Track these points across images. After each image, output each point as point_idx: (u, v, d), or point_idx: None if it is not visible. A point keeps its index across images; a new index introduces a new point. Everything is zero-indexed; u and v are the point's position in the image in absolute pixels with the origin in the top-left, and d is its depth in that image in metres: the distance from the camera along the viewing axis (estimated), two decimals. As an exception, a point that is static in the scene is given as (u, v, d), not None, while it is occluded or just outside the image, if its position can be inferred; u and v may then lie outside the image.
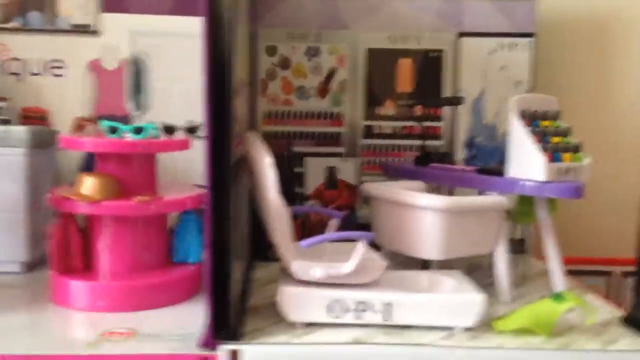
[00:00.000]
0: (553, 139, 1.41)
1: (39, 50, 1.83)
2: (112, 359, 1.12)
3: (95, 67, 1.84)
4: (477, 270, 1.56)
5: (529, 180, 1.39)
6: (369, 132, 1.90)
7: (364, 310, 1.20)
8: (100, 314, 1.32)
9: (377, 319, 1.21)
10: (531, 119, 1.43)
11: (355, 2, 1.86)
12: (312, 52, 1.87)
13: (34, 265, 1.62)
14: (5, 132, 1.58)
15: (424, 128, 1.84)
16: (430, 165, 1.68)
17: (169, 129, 1.48)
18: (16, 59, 1.83)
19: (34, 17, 1.83)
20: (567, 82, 2.00)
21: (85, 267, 1.41)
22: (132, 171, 1.42)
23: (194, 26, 1.76)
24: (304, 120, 1.88)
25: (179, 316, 1.32)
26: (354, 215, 1.87)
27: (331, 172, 1.88)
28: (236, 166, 1.23)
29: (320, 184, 1.88)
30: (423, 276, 1.35)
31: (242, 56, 1.47)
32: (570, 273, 1.58)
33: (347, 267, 1.20)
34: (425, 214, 1.36)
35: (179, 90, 1.83)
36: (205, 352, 1.12)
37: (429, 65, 1.89)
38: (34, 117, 1.80)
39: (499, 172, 1.48)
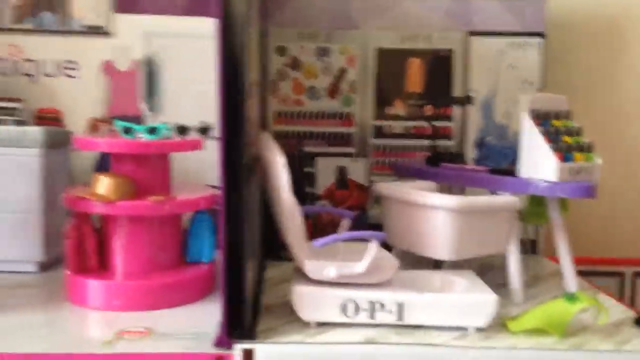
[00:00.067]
0: (565, 138, 1.41)
1: (53, 51, 1.84)
2: (128, 357, 1.13)
3: (108, 68, 1.85)
4: (489, 270, 1.56)
5: (541, 180, 1.39)
6: (379, 132, 1.90)
7: (376, 310, 1.21)
8: (115, 313, 1.33)
9: (389, 318, 1.21)
10: (542, 118, 1.44)
11: (365, 2, 1.86)
12: (323, 53, 1.88)
13: (49, 265, 1.63)
14: (20, 132, 1.60)
15: (434, 128, 1.85)
16: (441, 165, 1.68)
17: (182, 130, 1.49)
18: (30, 60, 1.85)
19: (47, 19, 1.84)
20: (577, 82, 1.99)
21: (101, 266, 1.42)
22: (147, 171, 1.43)
23: (206, 27, 1.78)
24: (315, 121, 1.89)
25: (192, 315, 1.34)
26: (364, 216, 1.87)
27: (342, 172, 1.89)
28: (249, 166, 1.24)
29: (330, 184, 1.89)
30: (435, 276, 1.36)
31: (254, 57, 1.48)
32: (582, 274, 1.58)
33: (359, 266, 1.20)
34: (437, 214, 1.37)
35: (191, 91, 1.84)
36: (220, 351, 1.13)
37: (439, 65, 1.90)
38: (48, 118, 1.82)
39: (510, 172, 1.49)
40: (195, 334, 1.21)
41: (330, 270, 1.21)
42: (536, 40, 1.87)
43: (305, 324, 1.23)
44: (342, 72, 1.88)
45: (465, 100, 1.83)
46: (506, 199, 1.44)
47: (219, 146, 1.12)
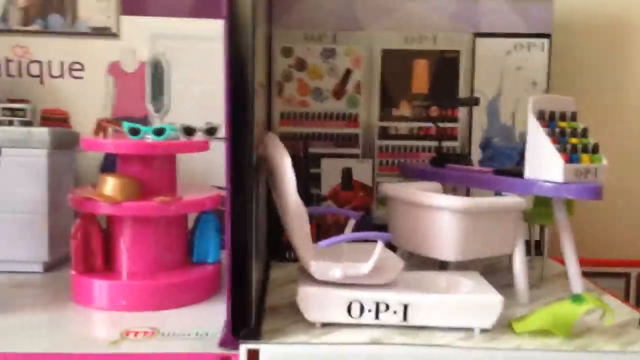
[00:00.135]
0: (571, 139, 1.41)
1: (60, 52, 1.85)
2: (133, 357, 1.13)
3: (114, 69, 1.86)
4: (494, 272, 1.56)
5: (547, 181, 1.39)
6: (384, 133, 1.90)
7: (382, 311, 1.21)
8: (120, 313, 1.34)
9: (395, 319, 1.21)
10: (549, 119, 1.43)
11: (371, 4, 1.86)
12: (328, 54, 1.88)
13: (55, 265, 1.64)
14: (27, 133, 1.61)
15: (439, 129, 1.84)
16: (446, 166, 1.68)
17: (189, 131, 1.49)
18: (37, 62, 1.86)
19: (55, 20, 1.85)
20: (583, 83, 1.99)
21: (106, 266, 1.43)
22: (153, 172, 1.44)
23: (213, 29, 1.80)
24: (320, 122, 1.89)
25: (198, 315, 1.34)
26: (369, 217, 1.87)
27: (347, 173, 1.89)
28: (255, 167, 1.24)
29: (336, 185, 1.89)
30: (441, 277, 1.36)
31: (260, 58, 1.48)
32: (587, 275, 1.58)
33: (365, 267, 1.20)
34: (443, 215, 1.37)
35: (198, 92, 1.85)
36: (226, 351, 1.13)
37: (445, 66, 1.90)
38: (55, 119, 1.83)
39: (516, 173, 1.48)
40: (201, 334, 1.22)
41: (335, 271, 1.21)
42: (542, 41, 1.87)
43: (310, 325, 1.23)
44: (348, 73, 1.89)
45: (472, 102, 1.83)
46: (512, 199, 1.44)
47: (225, 147, 1.13)
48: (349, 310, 1.21)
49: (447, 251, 1.38)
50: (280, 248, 1.75)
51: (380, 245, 1.21)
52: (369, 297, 1.21)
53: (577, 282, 1.48)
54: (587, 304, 1.21)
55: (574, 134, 1.43)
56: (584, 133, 1.45)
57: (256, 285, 1.29)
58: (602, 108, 2.01)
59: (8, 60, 1.85)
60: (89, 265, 1.41)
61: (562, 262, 1.53)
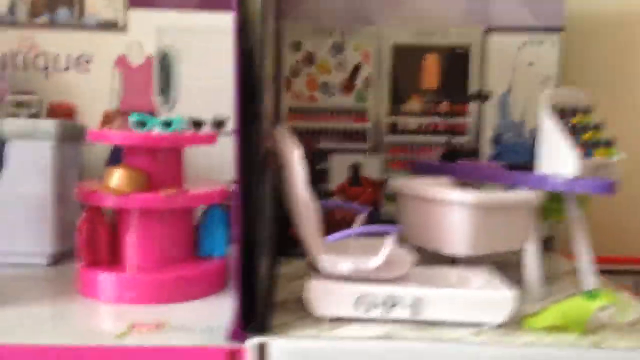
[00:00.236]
0: (585, 134, 1.39)
1: (67, 46, 1.84)
2: (140, 350, 1.12)
3: (122, 62, 1.85)
4: (504, 268, 1.53)
5: (561, 176, 1.36)
6: (394, 129, 1.88)
7: (392, 306, 1.19)
8: (127, 306, 1.32)
9: (405, 314, 1.19)
10: (562, 114, 1.41)
11: (381, -2, 1.85)
12: (337, 48, 1.86)
13: (61, 258, 1.63)
14: (33, 126, 1.60)
15: (449, 124, 1.82)
16: (457, 162, 1.66)
17: (196, 124, 1.48)
18: (44, 55, 1.85)
19: (62, 14, 1.84)
20: (596, 78, 1.96)
21: (113, 259, 1.41)
22: (160, 165, 1.42)
23: (221, 22, 1.79)
24: (329, 117, 1.87)
25: (205, 309, 1.32)
26: (377, 212, 1.85)
27: (355, 168, 1.87)
28: (264, 161, 1.23)
29: (344, 180, 1.87)
30: (452, 272, 1.34)
31: (269, 52, 1.47)
32: (601, 272, 1.55)
33: (375, 261, 1.19)
34: (454, 210, 1.35)
35: (205, 85, 1.83)
36: (234, 345, 1.12)
37: (455, 61, 1.87)
38: (61, 112, 1.81)
39: (528, 168, 1.46)
40: (208, 328, 1.20)
41: (344, 265, 1.19)
42: (555, 35, 1.84)
43: (319, 319, 1.21)
44: (357, 68, 1.87)
45: (483, 97, 1.81)
46: (524, 194, 1.42)
47: (234, 140, 1.11)
48: (358, 304, 1.19)
49: (458, 246, 1.36)
50: (288, 243, 1.73)
51: (390, 240, 1.20)
52: (378, 291, 1.19)
53: (589, 279, 1.46)
54: (601, 300, 1.19)
55: (587, 128, 1.41)
56: (598, 127, 1.43)
57: (264, 280, 1.27)
58: (615, 103, 1.98)
59: (15, 54, 1.84)
60: (95, 258, 1.39)
61: (574, 258, 1.51)
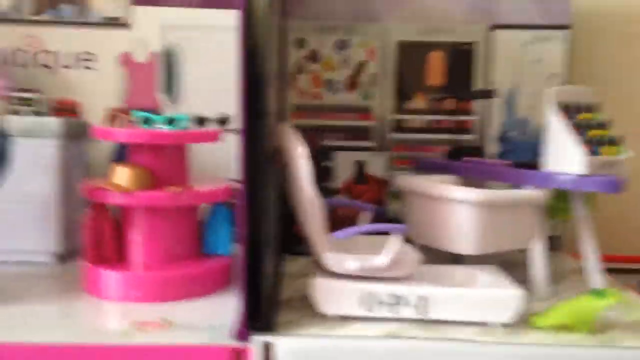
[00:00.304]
0: (592, 131, 1.38)
1: (71, 43, 1.84)
2: (145, 348, 1.11)
3: (126, 59, 1.85)
4: (509, 266, 1.52)
5: (567, 174, 1.36)
6: (398, 126, 1.87)
7: (398, 304, 1.19)
8: (132, 304, 1.32)
9: (411, 313, 1.19)
10: (569, 111, 1.40)
11: (385, -6, 1.84)
12: (342, 45, 1.86)
13: (66, 256, 1.63)
14: (38, 123, 1.59)
15: (455, 122, 1.81)
16: (463, 159, 1.65)
17: (201, 121, 1.48)
18: (48, 52, 1.84)
19: (66, 10, 1.84)
20: (602, 76, 1.95)
21: (118, 257, 1.41)
22: (165, 162, 1.42)
23: (225, 19, 1.78)
24: (333, 114, 1.86)
25: (210, 307, 1.32)
26: (382, 210, 1.84)
27: (360, 166, 1.87)
28: (269, 158, 1.22)
29: (349, 178, 1.86)
30: (458, 271, 1.33)
31: (274, 49, 1.46)
32: (607, 271, 1.54)
33: (381, 259, 1.18)
34: (460, 208, 1.34)
35: (210, 83, 1.83)
36: (239, 344, 1.11)
37: (461, 58, 1.86)
38: (66, 109, 1.81)
39: (534, 166, 1.46)
40: (213, 326, 1.20)
41: (351, 263, 1.18)
42: (561, 32, 1.83)
43: (325, 318, 1.20)
44: (362, 65, 1.86)
45: (488, 94, 1.80)
46: (531, 193, 1.41)
47: (239, 138, 1.11)
48: (363, 303, 1.19)
49: (464, 245, 1.36)
50: (293, 241, 1.73)
51: (396, 238, 1.19)
52: (385, 290, 1.19)
53: (596, 279, 1.45)
54: (608, 299, 1.19)
55: (594, 125, 1.40)
56: (605, 125, 1.42)
57: (269, 278, 1.27)
58: (622, 101, 1.96)
59: (19, 50, 1.83)
60: (100, 256, 1.39)
61: (580, 257, 1.50)
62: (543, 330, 1.19)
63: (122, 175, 1.36)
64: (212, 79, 1.82)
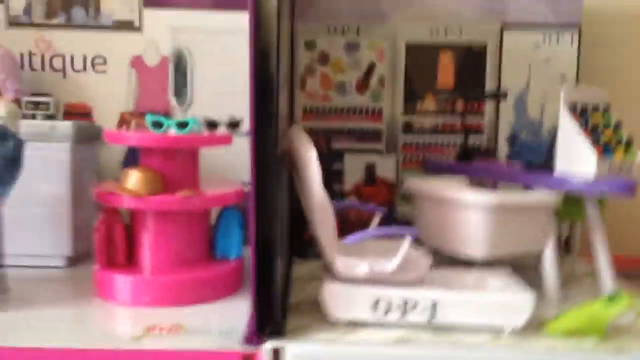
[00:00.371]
0: (604, 133, 1.36)
1: (82, 46, 1.85)
2: (156, 353, 1.12)
3: (137, 63, 1.85)
4: (520, 270, 1.51)
5: (579, 177, 1.34)
6: (408, 128, 1.87)
7: (409, 309, 1.18)
8: (142, 308, 1.32)
9: (422, 317, 1.18)
10: (581, 112, 1.39)
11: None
12: (351, 47, 1.85)
13: (77, 259, 1.64)
14: (50, 127, 1.60)
15: (465, 123, 1.80)
16: (474, 161, 1.64)
17: (211, 124, 1.48)
18: (60, 55, 1.85)
19: (77, 14, 1.85)
20: (614, 76, 1.93)
21: (129, 261, 1.41)
22: (176, 166, 1.42)
23: (236, 22, 1.78)
24: (343, 116, 1.86)
25: (220, 312, 1.32)
26: (392, 213, 1.84)
27: (370, 168, 1.86)
28: (279, 161, 1.22)
29: (358, 180, 1.86)
30: (469, 274, 1.32)
31: (284, 51, 1.46)
32: (620, 274, 1.53)
33: (392, 264, 1.17)
34: (471, 211, 1.33)
35: (220, 86, 1.83)
36: (249, 349, 1.11)
37: (471, 59, 1.85)
38: (77, 113, 1.82)
39: (546, 167, 1.44)
40: (224, 330, 1.20)
41: (361, 267, 1.18)
42: (572, 32, 1.81)
43: (335, 323, 1.20)
44: (371, 66, 1.85)
45: (498, 94, 1.78)
46: (543, 195, 1.40)
47: (250, 141, 1.11)
48: (374, 308, 1.18)
49: (475, 248, 1.35)
50: (301, 244, 1.73)
51: (407, 242, 1.18)
52: (395, 294, 1.18)
53: (608, 282, 1.44)
54: (622, 304, 1.17)
55: (607, 127, 1.39)
56: (618, 126, 1.40)
57: (279, 283, 1.27)
58: (633, 102, 1.94)
59: (31, 54, 1.84)
60: (111, 259, 1.40)
61: (591, 260, 1.49)
62: (555, 335, 1.18)
63: (133, 179, 1.37)
64: (223, 82, 1.82)
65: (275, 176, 1.16)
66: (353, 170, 1.85)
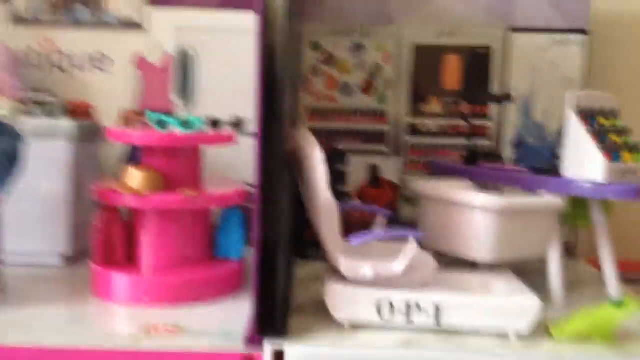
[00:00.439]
0: (612, 137, 1.35)
1: (85, 45, 1.83)
2: (155, 353, 1.10)
3: (141, 62, 1.84)
4: (524, 274, 1.50)
5: (587, 181, 1.33)
6: (413, 130, 1.85)
7: (413, 312, 1.16)
8: (141, 308, 1.31)
9: (427, 321, 1.16)
10: (589, 116, 1.37)
11: (401, -3, 1.82)
12: (357, 48, 1.84)
13: (75, 258, 1.62)
14: (51, 125, 1.59)
15: (471, 126, 1.79)
16: (479, 164, 1.63)
17: (215, 124, 1.46)
18: (62, 54, 1.84)
19: (81, 12, 1.84)
20: (621, 80, 1.91)
21: (128, 260, 1.40)
22: (178, 165, 1.40)
23: (241, 21, 1.77)
24: (348, 117, 1.85)
25: (221, 312, 1.30)
26: (395, 215, 1.82)
27: (374, 170, 1.84)
28: (284, 162, 1.20)
29: (363, 182, 1.84)
30: (473, 278, 1.30)
31: (291, 52, 1.44)
32: (625, 280, 1.51)
33: (397, 266, 1.16)
34: (477, 214, 1.32)
35: (225, 85, 1.82)
36: (250, 350, 1.09)
37: (477, 62, 1.84)
38: (80, 111, 1.80)
39: (553, 171, 1.43)
40: (224, 331, 1.18)
41: (366, 270, 1.16)
42: (579, 36, 1.80)
43: (338, 325, 1.18)
44: (377, 68, 1.84)
45: (504, 98, 1.77)
46: (550, 199, 1.38)
47: (256, 141, 1.09)
48: (379, 310, 1.16)
49: (480, 251, 1.33)
50: (303, 245, 1.71)
51: (413, 244, 1.17)
52: (400, 297, 1.16)
53: (614, 287, 1.42)
54: (630, 308, 1.15)
55: (615, 131, 1.37)
56: (626, 131, 1.38)
57: (282, 283, 1.25)
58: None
59: (34, 52, 1.83)
60: (110, 258, 1.38)
61: (595, 264, 1.47)
62: (561, 340, 1.16)
63: (135, 177, 1.35)
64: (227, 82, 1.81)
65: (280, 176, 1.15)
66: (357, 171, 1.83)
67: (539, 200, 1.39)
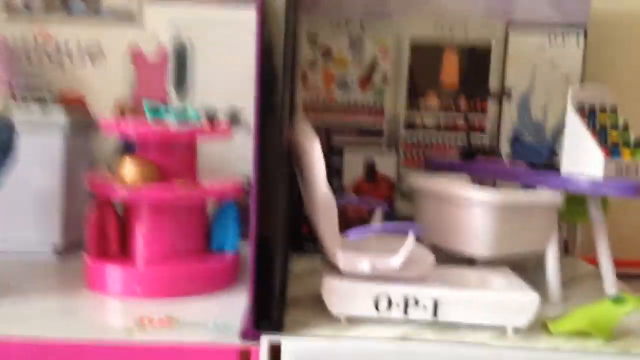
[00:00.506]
0: (612, 133, 1.34)
1: (81, 37, 1.82)
2: (149, 346, 1.08)
3: (136, 55, 1.82)
4: (521, 270, 1.49)
5: (585, 177, 1.32)
6: (410, 125, 1.84)
7: (410, 306, 1.15)
8: (135, 300, 1.29)
9: (424, 315, 1.15)
10: (588, 112, 1.37)
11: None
12: (355, 43, 1.83)
13: (69, 249, 1.60)
14: (44, 117, 1.57)
15: (468, 122, 1.78)
16: (477, 159, 1.62)
17: (211, 116, 1.45)
18: (58, 47, 1.82)
19: (77, 5, 1.82)
20: (619, 77, 1.91)
21: (122, 252, 1.38)
22: (173, 157, 1.39)
23: (236, 15, 1.75)
24: (345, 112, 1.83)
25: (215, 305, 1.29)
26: (392, 210, 1.81)
27: (370, 165, 1.83)
28: (281, 155, 1.19)
29: (359, 177, 1.83)
30: (471, 273, 1.29)
31: (288, 45, 1.43)
32: (621, 277, 1.50)
33: (395, 260, 1.14)
34: (474, 208, 1.31)
35: (220, 79, 1.80)
36: (246, 344, 1.08)
37: (475, 58, 1.83)
38: (74, 104, 1.78)
39: (551, 167, 1.42)
40: (219, 324, 1.16)
41: (364, 264, 1.15)
42: (578, 33, 1.79)
43: (334, 318, 1.17)
44: (375, 63, 1.83)
45: (502, 94, 1.76)
46: (547, 195, 1.37)
47: (253, 135, 1.08)
48: (376, 304, 1.15)
49: (478, 246, 1.32)
50: (299, 239, 1.70)
51: (411, 238, 1.15)
52: (397, 291, 1.15)
53: (611, 283, 1.42)
54: (628, 305, 1.15)
55: (615, 128, 1.36)
56: (625, 128, 1.38)
57: (278, 276, 1.23)
58: (638, 103, 1.92)
59: (28, 44, 1.81)
60: (103, 250, 1.36)
61: (592, 261, 1.47)
62: (559, 336, 1.15)
63: (129, 169, 1.33)
64: (223, 75, 1.79)
65: (277, 170, 1.14)
66: (354, 166, 1.82)
67: (537, 196, 1.38)
